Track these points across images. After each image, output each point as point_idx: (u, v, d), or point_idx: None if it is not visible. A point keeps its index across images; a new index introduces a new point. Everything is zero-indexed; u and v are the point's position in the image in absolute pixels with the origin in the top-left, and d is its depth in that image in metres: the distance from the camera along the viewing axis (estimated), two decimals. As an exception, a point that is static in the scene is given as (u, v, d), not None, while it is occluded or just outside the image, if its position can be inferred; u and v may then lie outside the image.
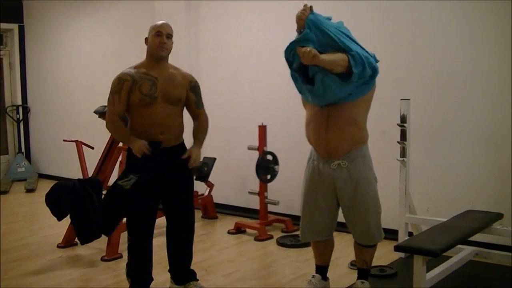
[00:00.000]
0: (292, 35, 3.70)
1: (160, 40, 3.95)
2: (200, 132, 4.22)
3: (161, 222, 4.15)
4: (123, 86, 3.92)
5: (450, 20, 5.39)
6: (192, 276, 4.32)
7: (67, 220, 5.27)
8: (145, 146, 3.88)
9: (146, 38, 4.04)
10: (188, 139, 4.22)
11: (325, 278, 4.25)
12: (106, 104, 4.05)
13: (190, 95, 4.14)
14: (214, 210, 7.06)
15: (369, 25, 5.85)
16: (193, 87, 4.17)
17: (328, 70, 3.59)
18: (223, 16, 7.27)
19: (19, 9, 10.58)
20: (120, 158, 5.71)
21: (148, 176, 3.97)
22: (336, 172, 3.87)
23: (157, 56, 3.99)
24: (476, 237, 4.54)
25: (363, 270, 4.15)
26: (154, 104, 3.93)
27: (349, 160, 3.85)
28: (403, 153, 5.08)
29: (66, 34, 9.75)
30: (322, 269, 4.25)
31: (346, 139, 3.83)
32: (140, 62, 4.08)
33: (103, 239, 5.26)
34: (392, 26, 5.76)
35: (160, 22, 4.05)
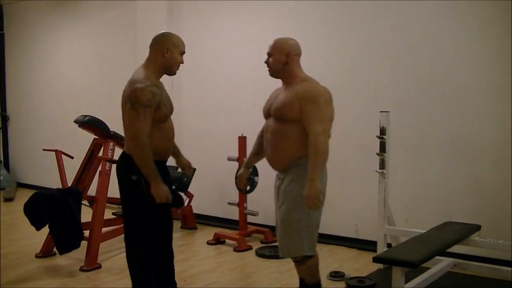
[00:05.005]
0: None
1: (181, 60, 3.80)
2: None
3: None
4: (155, 100, 3.53)
5: (429, 33, 5.45)
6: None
7: (45, 230, 5.25)
8: (169, 195, 3.59)
9: (166, 49, 3.67)
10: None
11: None
12: (129, 119, 3.51)
13: None
14: (194, 221, 7.06)
15: (348, 36, 5.90)
16: None
17: None
18: (204, 28, 7.29)
19: (-1, 17, 10.55)
20: (99, 168, 5.66)
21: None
22: (278, 184, 3.84)
23: (172, 73, 3.83)
24: (455, 249, 4.59)
25: (306, 284, 3.86)
26: (169, 118, 3.78)
27: (287, 173, 3.75)
28: (382, 165, 5.12)
29: (46, 42, 9.73)
30: None
31: (279, 154, 3.75)
32: (148, 72, 3.65)
33: (82, 249, 5.25)
34: (371, 39, 5.81)
35: (181, 40, 3.80)
